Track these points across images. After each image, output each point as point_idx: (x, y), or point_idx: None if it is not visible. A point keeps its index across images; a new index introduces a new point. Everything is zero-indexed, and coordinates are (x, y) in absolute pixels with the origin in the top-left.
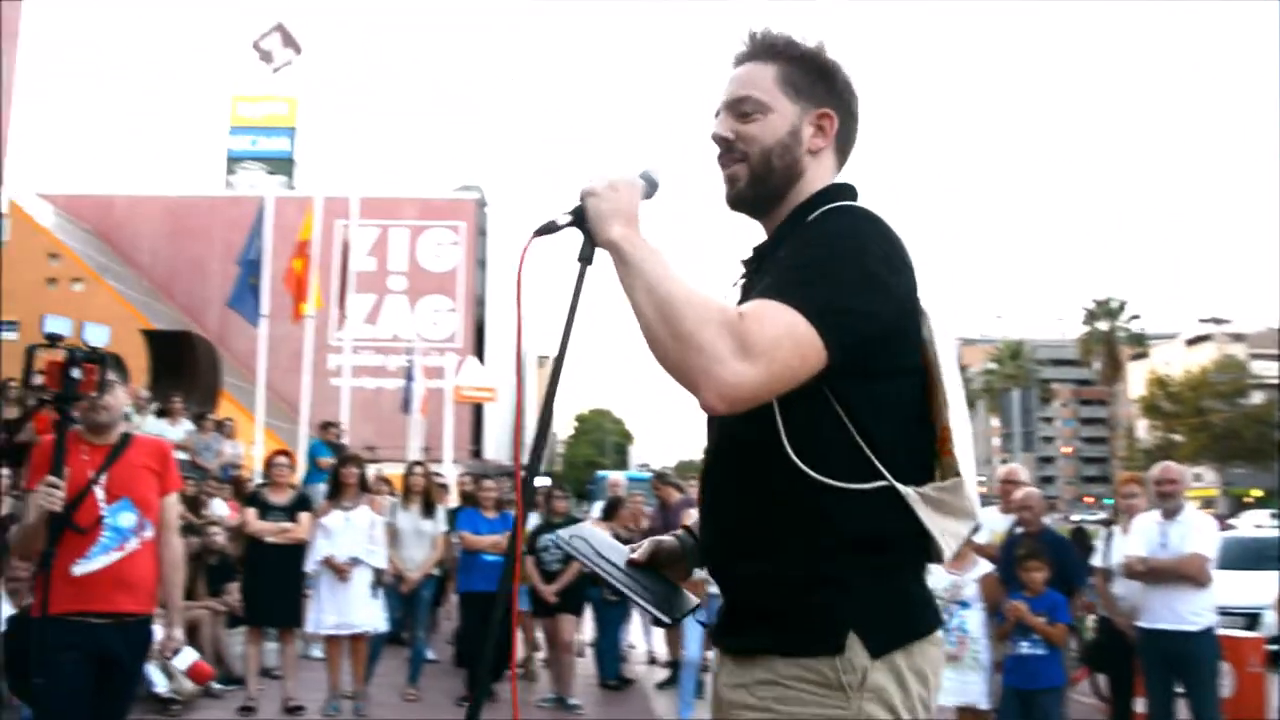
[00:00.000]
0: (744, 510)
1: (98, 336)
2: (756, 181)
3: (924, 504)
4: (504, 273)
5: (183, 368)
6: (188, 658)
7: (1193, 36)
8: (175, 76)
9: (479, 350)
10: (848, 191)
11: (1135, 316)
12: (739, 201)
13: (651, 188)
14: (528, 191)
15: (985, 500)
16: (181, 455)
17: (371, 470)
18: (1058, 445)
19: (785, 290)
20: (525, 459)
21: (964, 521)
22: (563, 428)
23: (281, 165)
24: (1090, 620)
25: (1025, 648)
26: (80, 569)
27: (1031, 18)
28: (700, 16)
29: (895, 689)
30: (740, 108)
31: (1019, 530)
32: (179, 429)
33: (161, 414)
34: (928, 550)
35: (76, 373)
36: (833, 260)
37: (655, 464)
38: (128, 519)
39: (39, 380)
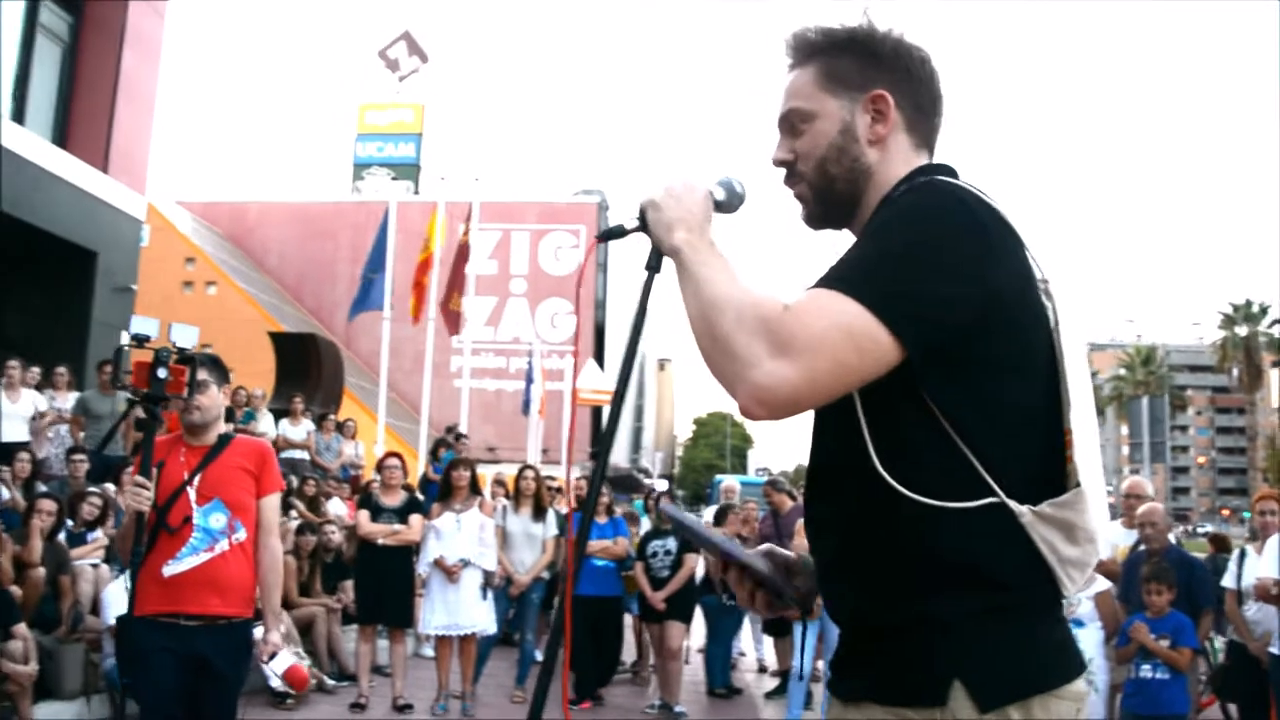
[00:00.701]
0: (837, 533)
1: (185, 337)
2: (820, 197)
3: (1041, 524)
4: (624, 276)
5: (308, 368)
6: (284, 662)
7: None
8: (307, 87)
9: (599, 353)
10: (937, 169)
11: (1278, 321)
12: (813, 220)
13: (732, 196)
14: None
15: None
16: (302, 455)
17: (491, 471)
18: (1193, 455)
19: (845, 277)
20: (580, 459)
21: (1084, 546)
22: (682, 430)
23: (406, 171)
24: (1220, 643)
25: (1147, 671)
26: (170, 570)
27: (1169, 16)
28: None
29: None
30: (789, 123)
31: (1142, 548)
32: (300, 429)
33: (281, 414)
34: (1054, 581)
35: (163, 373)
36: (904, 240)
37: (774, 468)
38: (218, 520)
39: (126, 380)
